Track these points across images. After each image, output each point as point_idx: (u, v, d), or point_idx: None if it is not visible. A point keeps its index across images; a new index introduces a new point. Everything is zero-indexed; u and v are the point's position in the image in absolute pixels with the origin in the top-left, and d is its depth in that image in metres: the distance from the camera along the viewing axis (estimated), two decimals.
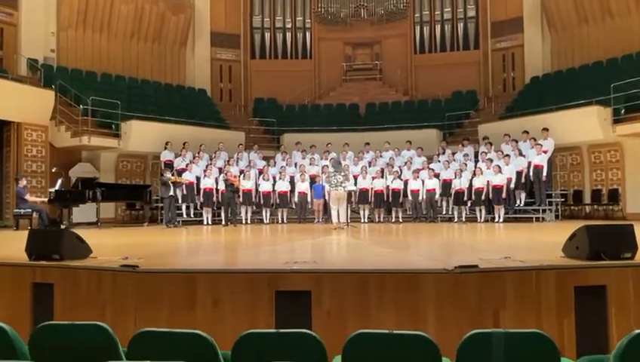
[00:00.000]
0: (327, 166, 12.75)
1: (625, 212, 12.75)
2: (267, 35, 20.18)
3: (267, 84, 19.32)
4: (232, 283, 3.81)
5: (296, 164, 13.94)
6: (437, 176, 12.65)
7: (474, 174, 12.18)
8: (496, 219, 11.85)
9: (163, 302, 3.80)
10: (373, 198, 12.73)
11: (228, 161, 13.53)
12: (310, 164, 13.75)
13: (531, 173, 12.07)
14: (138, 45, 17.73)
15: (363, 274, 3.81)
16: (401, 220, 12.70)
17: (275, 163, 14.15)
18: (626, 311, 3.82)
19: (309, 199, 13.00)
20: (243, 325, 3.62)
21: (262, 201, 12.97)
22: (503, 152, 12.56)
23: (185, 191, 12.72)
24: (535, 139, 12.38)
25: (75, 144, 13.48)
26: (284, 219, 13.09)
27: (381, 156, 13.99)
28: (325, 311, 3.67)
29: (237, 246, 7.08)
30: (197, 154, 13.70)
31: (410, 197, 12.69)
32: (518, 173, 12.06)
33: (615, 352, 2.10)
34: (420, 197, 12.54)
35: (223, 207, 12.37)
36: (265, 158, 14.58)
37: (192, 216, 13.12)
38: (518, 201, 12.42)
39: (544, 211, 12.10)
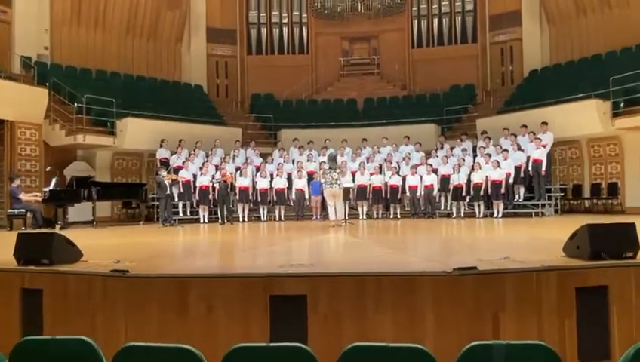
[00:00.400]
0: (324, 162, 12.65)
1: (624, 206, 12.70)
2: (263, 30, 20.01)
3: (264, 80, 19.17)
4: (225, 288, 3.72)
5: (293, 161, 13.84)
6: (435, 171, 12.57)
7: (472, 169, 12.11)
8: (495, 215, 11.78)
9: (154, 308, 3.71)
10: (371, 195, 12.64)
11: (224, 158, 13.42)
12: (308, 161, 13.65)
13: (530, 168, 12.00)
14: (133, 41, 17.54)
15: (360, 277, 3.73)
16: (399, 216, 12.62)
17: (273, 160, 14.04)
18: (628, 312, 3.76)
19: (306, 196, 12.92)
20: (237, 331, 3.55)
21: (259, 199, 12.87)
22: (501, 147, 12.47)
23: (181, 190, 12.62)
24: (534, 133, 12.29)
25: (70, 142, 13.34)
26: (282, 217, 12.99)
27: (379, 152, 13.90)
28: (321, 316, 3.59)
29: (232, 248, 6.98)
30: (193, 152, 13.57)
31: (408, 193, 12.61)
32: (517, 168, 11.98)
33: None
34: (418, 193, 12.45)
35: (218, 206, 12.28)
36: (262, 155, 14.45)
37: (188, 214, 13.01)
38: (517, 196, 12.35)
39: (543, 206, 12.04)
